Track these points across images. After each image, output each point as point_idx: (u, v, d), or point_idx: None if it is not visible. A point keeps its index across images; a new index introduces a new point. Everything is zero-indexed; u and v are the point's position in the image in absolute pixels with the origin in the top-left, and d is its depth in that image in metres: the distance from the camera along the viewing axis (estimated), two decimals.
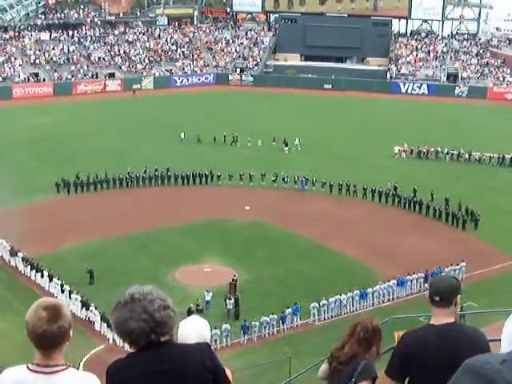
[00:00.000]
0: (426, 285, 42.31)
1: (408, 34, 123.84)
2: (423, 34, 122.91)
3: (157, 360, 4.39)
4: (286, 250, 47.82)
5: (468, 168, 68.24)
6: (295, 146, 73.59)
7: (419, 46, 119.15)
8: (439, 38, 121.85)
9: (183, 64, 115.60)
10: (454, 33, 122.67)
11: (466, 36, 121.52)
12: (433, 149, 72.07)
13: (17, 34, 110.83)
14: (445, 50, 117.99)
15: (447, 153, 71.61)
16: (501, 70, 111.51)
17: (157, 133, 76.91)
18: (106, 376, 4.47)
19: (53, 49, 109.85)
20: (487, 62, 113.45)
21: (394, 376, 5.76)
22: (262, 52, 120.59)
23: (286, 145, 72.81)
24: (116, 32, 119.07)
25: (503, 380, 2.69)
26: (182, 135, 75.33)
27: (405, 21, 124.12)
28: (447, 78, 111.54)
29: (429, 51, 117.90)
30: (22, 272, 44.07)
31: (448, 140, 73.99)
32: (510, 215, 54.09)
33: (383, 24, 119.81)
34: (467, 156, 70.93)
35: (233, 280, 41.17)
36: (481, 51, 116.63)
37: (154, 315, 4.35)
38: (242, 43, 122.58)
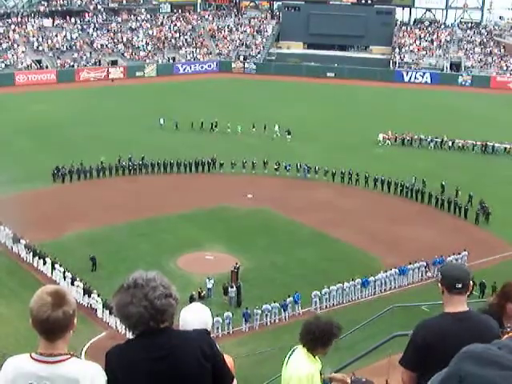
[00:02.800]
0: (429, 273, 42.47)
1: (411, 23, 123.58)
2: (427, 23, 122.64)
3: (155, 347, 4.40)
4: (288, 238, 47.86)
5: (468, 157, 68.49)
6: (274, 132, 73.84)
7: (422, 35, 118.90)
8: (443, 26, 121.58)
9: (186, 52, 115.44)
10: (458, 21, 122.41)
11: (469, 25, 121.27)
12: (416, 136, 72.90)
13: (20, 20, 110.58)
14: (448, 38, 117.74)
15: (431, 140, 72.45)
16: (504, 59, 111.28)
17: (155, 120, 76.52)
18: (105, 361, 4.49)
19: (56, 36, 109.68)
20: (491, 51, 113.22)
21: (410, 367, 5.68)
22: (264, 40, 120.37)
23: (289, 133, 72.73)
24: (119, 19, 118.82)
25: None
26: (162, 121, 75.92)
27: (408, 9, 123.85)
28: (450, 67, 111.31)
29: (432, 40, 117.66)
30: (25, 259, 44.15)
31: (445, 128, 74.35)
32: (509, 204, 54.16)
33: (387, 12, 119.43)
34: (450, 143, 71.78)
35: (235, 268, 41.23)
36: (484, 40, 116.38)
37: (154, 302, 4.35)
38: (245, 31, 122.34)
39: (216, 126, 75.17)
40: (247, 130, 73.42)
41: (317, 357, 6.81)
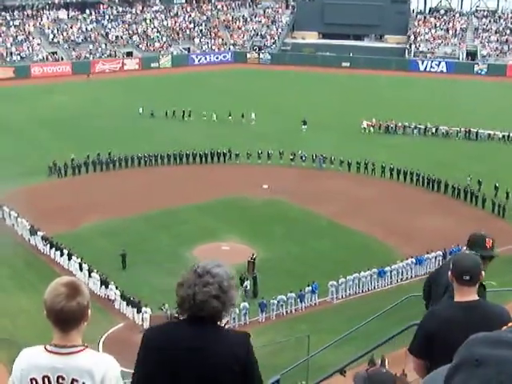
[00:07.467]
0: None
1: (427, 11, 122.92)
2: (442, 11, 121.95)
3: (193, 336, 4.42)
4: (304, 229, 47.81)
5: (477, 145, 68.32)
6: (251, 120, 74.26)
7: (438, 24, 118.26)
8: (458, 15, 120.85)
9: (201, 42, 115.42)
10: (474, 10, 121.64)
11: (485, 13, 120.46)
12: (400, 123, 73.10)
13: (35, 13, 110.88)
14: (464, 27, 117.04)
15: (415, 127, 72.75)
16: None
17: (171, 111, 76.81)
18: (142, 339, 4.53)
19: (71, 28, 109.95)
20: (507, 40, 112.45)
21: (417, 354, 5.69)
22: (279, 30, 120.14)
23: (305, 123, 72.55)
24: (134, 10, 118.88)
25: None
26: (141, 110, 76.86)
27: None
28: (466, 56, 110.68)
29: (448, 29, 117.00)
30: (42, 251, 44.32)
31: (454, 116, 74.52)
32: None
33: (402, 1, 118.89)
34: (434, 130, 72.12)
35: (251, 258, 41.24)
36: (500, 28, 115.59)
37: (196, 296, 4.43)
38: (259, 21, 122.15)
39: (190, 115, 76.05)
40: (225, 118, 73.85)
41: None
